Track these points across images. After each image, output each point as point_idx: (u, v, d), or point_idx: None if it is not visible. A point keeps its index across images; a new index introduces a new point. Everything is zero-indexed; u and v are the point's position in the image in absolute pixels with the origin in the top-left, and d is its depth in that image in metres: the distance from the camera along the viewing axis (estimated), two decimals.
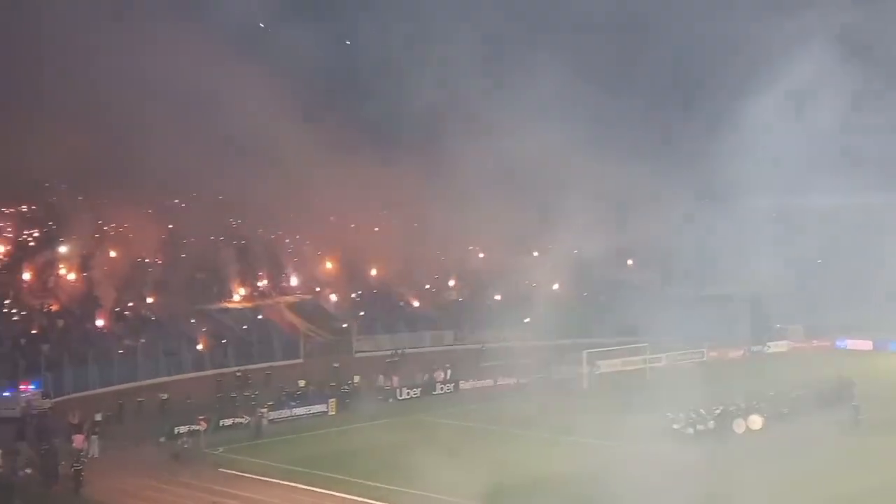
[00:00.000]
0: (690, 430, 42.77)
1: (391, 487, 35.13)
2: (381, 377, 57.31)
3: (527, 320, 73.67)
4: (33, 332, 57.45)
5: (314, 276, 78.85)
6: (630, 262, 79.45)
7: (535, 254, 75.75)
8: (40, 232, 75.57)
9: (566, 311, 73.22)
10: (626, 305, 69.21)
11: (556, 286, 78.82)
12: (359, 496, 34.43)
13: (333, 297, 77.07)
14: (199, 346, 62.41)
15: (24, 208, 74.94)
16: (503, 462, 39.16)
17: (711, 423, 43.35)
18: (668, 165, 58.27)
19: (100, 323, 61.98)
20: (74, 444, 39.61)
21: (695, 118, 63.49)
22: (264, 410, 48.97)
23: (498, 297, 77.41)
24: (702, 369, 59.32)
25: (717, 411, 43.68)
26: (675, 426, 43.09)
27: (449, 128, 61.50)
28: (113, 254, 69.93)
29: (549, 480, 36.02)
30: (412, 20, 66.16)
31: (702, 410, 43.63)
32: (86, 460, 38.07)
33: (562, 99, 54.68)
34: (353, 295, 78.32)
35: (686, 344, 63.92)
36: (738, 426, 43.67)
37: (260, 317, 70.72)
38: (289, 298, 75.65)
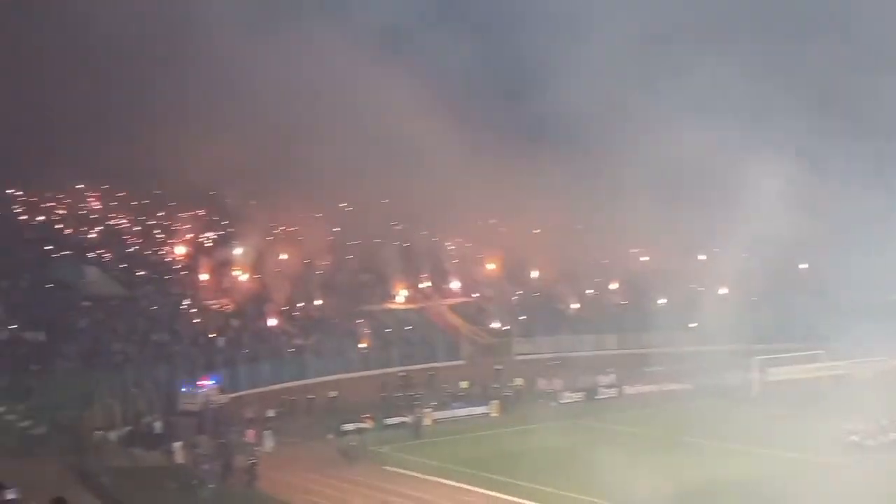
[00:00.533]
0: (871, 442, 40.57)
1: (557, 492, 34.81)
2: (542, 380, 56.96)
3: (693, 325, 71.75)
4: (210, 330, 59.98)
5: (475, 278, 79.15)
6: (805, 265, 75.97)
7: (702, 257, 73.50)
8: (216, 235, 79.00)
9: (735, 316, 70.82)
10: (801, 311, 66.42)
11: (723, 290, 76.35)
12: (525, 499, 34.27)
13: (494, 300, 77.16)
14: (365, 346, 63.70)
15: (202, 212, 78.47)
16: (671, 470, 38.13)
17: (894, 436, 41.01)
18: (853, 162, 55.29)
19: (271, 322, 64.13)
20: (249, 439, 41.07)
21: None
22: (427, 410, 49.63)
23: (662, 301, 75.62)
24: (884, 378, 56.01)
25: None
26: (854, 437, 41.00)
27: (612, 127, 60.53)
28: (283, 256, 72.33)
29: (717, 490, 34.84)
30: (570, 17, 65.61)
31: (884, 421, 41.27)
32: (260, 454, 39.42)
33: (734, 94, 52.98)
34: (513, 297, 78.21)
35: (866, 351, 60.47)
36: None
37: (422, 318, 71.57)
38: (450, 300, 76.22)
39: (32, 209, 73.74)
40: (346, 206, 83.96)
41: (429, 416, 49.59)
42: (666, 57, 61.40)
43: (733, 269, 71.29)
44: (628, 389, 57.25)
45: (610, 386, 57.51)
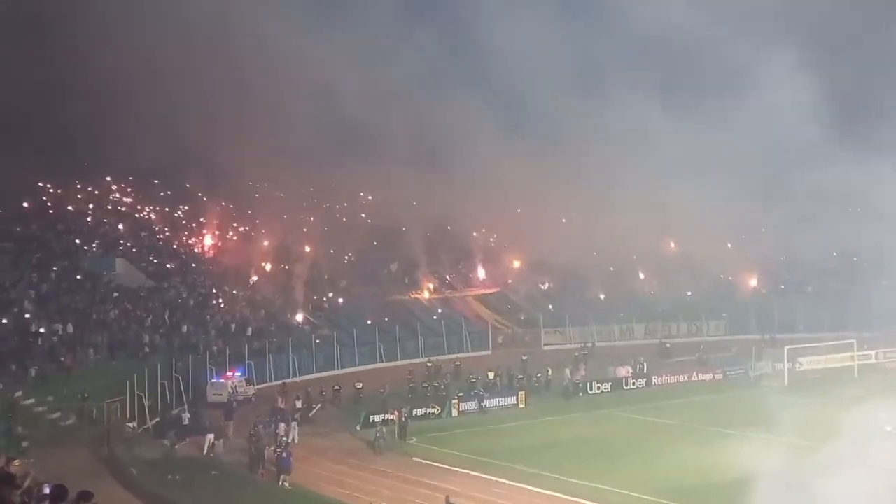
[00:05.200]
0: None
1: (586, 483, 34.52)
2: (570, 370, 56.63)
3: (723, 314, 71.20)
4: (238, 321, 60.16)
5: (502, 268, 78.98)
6: (835, 253, 75.01)
7: (731, 245, 72.83)
8: (244, 226, 79.22)
9: (765, 306, 70.22)
10: (832, 300, 65.57)
11: (753, 280, 75.70)
12: (553, 491, 34.05)
13: (521, 290, 76.94)
14: (392, 337, 63.69)
15: (230, 204, 78.67)
16: (702, 461, 37.80)
17: None
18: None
19: (299, 314, 64.26)
20: (278, 431, 41.08)
21: None
22: (454, 401, 49.46)
23: (691, 291, 75.09)
24: None
25: None
26: (888, 428, 40.23)
27: (640, 115, 59.99)
28: (310, 247, 72.44)
29: (750, 482, 34.35)
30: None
31: None
32: (288, 446, 39.36)
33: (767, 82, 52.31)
34: (541, 287, 77.93)
35: None
36: None
37: (449, 309, 71.46)
38: (477, 290, 76.07)
39: (62, 200, 74.18)
40: (371, 197, 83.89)
41: (456, 407, 49.42)
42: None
43: (763, 258, 70.67)
44: (657, 380, 56.72)
45: (638, 376, 57.00)
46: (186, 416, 44.70)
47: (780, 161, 61.03)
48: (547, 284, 78.43)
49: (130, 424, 42.22)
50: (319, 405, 48.92)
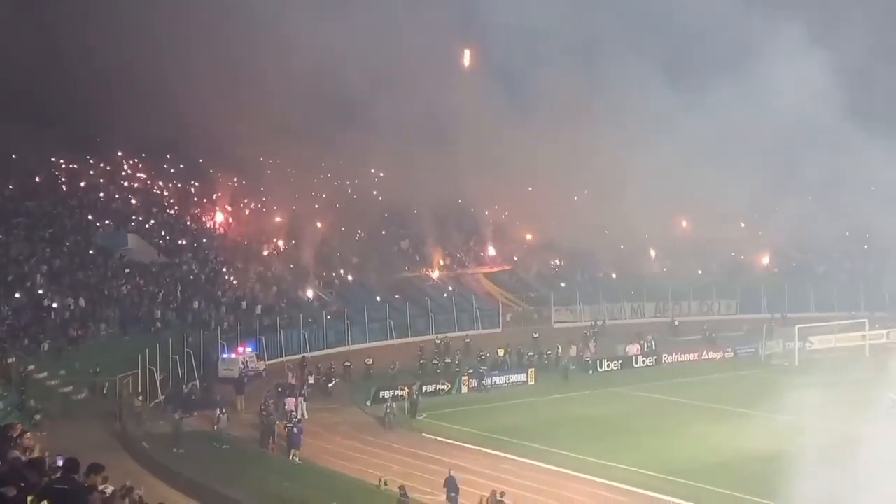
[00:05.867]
0: None
1: (595, 460, 34.63)
2: (580, 348, 56.72)
3: (733, 293, 71.01)
4: (249, 297, 60.34)
5: (513, 246, 78.86)
6: (847, 233, 74.67)
7: (743, 224, 72.60)
8: (255, 202, 79.25)
9: (776, 285, 70.05)
10: (844, 279, 65.34)
11: (765, 258, 75.49)
12: (562, 467, 34.20)
13: (532, 268, 76.89)
14: (402, 314, 63.84)
15: (241, 180, 78.67)
16: (711, 439, 37.88)
17: None
18: None
19: (310, 290, 64.42)
20: (287, 406, 41.30)
21: None
22: (464, 378, 49.66)
23: (701, 270, 74.87)
24: None
25: None
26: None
27: (652, 93, 59.68)
28: (320, 223, 72.54)
29: (755, 460, 34.44)
30: None
31: None
32: (298, 421, 39.60)
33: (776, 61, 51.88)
34: (552, 264, 77.85)
35: None
36: None
37: (460, 286, 71.51)
38: (488, 268, 76.07)
39: (74, 176, 74.31)
40: (383, 174, 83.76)
41: (466, 384, 49.61)
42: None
43: (775, 237, 70.41)
44: (667, 358, 56.78)
45: (648, 354, 57.07)
46: (197, 390, 45.05)
47: (793, 140, 60.72)
48: (558, 262, 78.34)
49: (139, 398, 42.52)
50: (337, 379, 49.27)
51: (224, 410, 41.03)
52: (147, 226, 67.33)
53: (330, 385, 48.28)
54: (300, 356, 53.87)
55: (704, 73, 61.93)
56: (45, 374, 42.98)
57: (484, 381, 49.84)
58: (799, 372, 52.58)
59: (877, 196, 61.10)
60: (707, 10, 56.85)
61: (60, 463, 14.58)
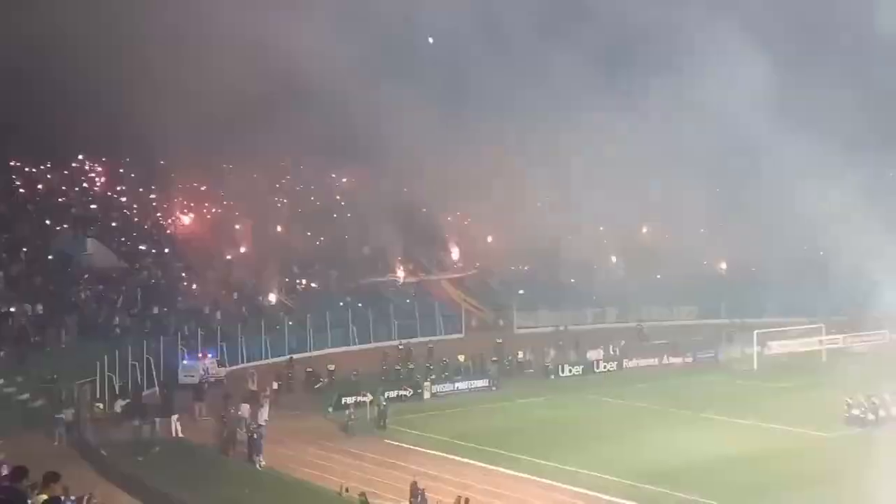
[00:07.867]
0: (871, 416, 40.53)
1: (556, 465, 34.76)
2: (542, 354, 56.92)
3: (693, 298, 71.66)
4: (209, 303, 59.85)
5: (476, 251, 78.94)
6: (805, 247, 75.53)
7: (703, 230, 73.29)
8: (216, 208, 78.64)
9: (735, 290, 70.83)
10: (799, 284, 66.12)
11: (723, 264, 76.32)
12: (525, 473, 34.22)
13: (494, 273, 77.03)
14: (365, 320, 63.63)
15: (202, 186, 78.05)
16: (672, 444, 38.18)
17: (895, 410, 41.02)
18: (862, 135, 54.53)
19: (271, 295, 64.03)
20: (240, 412, 40.87)
21: None
22: (427, 383, 49.62)
23: (662, 275, 75.47)
24: (884, 353, 55.92)
25: None
26: (855, 411, 40.97)
27: (615, 101, 59.99)
28: (282, 228, 72.08)
29: (718, 463, 34.81)
30: None
31: (886, 395, 41.23)
32: (259, 428, 39.27)
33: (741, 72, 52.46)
34: (514, 269, 78.05)
35: (866, 325, 60.38)
36: None
37: (423, 292, 71.44)
38: (450, 274, 76.10)
39: (33, 180, 73.28)
40: (344, 180, 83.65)
41: (428, 390, 49.58)
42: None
43: (733, 243, 71.15)
44: (628, 363, 57.22)
45: (609, 359, 57.44)
46: (157, 397, 44.59)
47: (750, 147, 61.47)
48: (521, 268, 78.56)
49: (99, 405, 41.98)
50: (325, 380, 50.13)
51: (177, 417, 40.67)
52: (107, 231, 66.54)
53: (317, 386, 48.11)
54: (287, 357, 53.96)
55: (666, 76, 62.33)
56: (1, 381, 42.30)
57: (453, 384, 49.86)
58: (758, 376, 53.34)
59: (832, 201, 62.14)
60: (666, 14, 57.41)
61: (5, 472, 14.37)
